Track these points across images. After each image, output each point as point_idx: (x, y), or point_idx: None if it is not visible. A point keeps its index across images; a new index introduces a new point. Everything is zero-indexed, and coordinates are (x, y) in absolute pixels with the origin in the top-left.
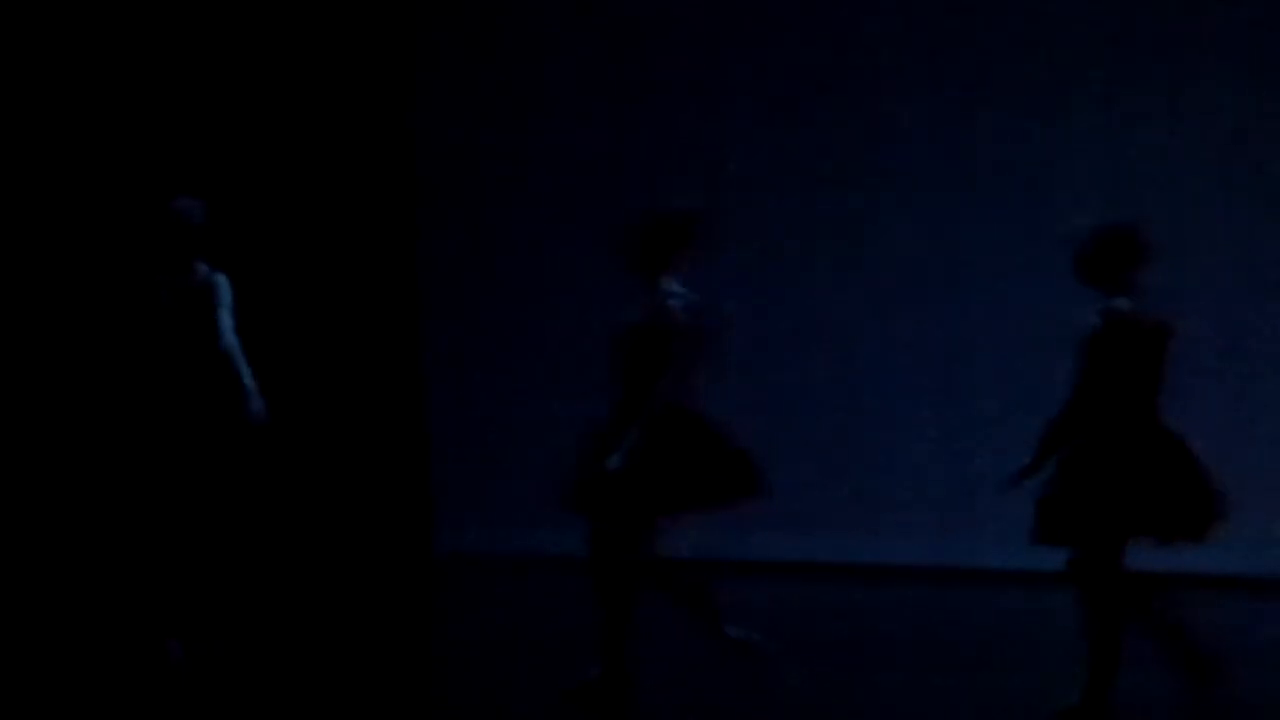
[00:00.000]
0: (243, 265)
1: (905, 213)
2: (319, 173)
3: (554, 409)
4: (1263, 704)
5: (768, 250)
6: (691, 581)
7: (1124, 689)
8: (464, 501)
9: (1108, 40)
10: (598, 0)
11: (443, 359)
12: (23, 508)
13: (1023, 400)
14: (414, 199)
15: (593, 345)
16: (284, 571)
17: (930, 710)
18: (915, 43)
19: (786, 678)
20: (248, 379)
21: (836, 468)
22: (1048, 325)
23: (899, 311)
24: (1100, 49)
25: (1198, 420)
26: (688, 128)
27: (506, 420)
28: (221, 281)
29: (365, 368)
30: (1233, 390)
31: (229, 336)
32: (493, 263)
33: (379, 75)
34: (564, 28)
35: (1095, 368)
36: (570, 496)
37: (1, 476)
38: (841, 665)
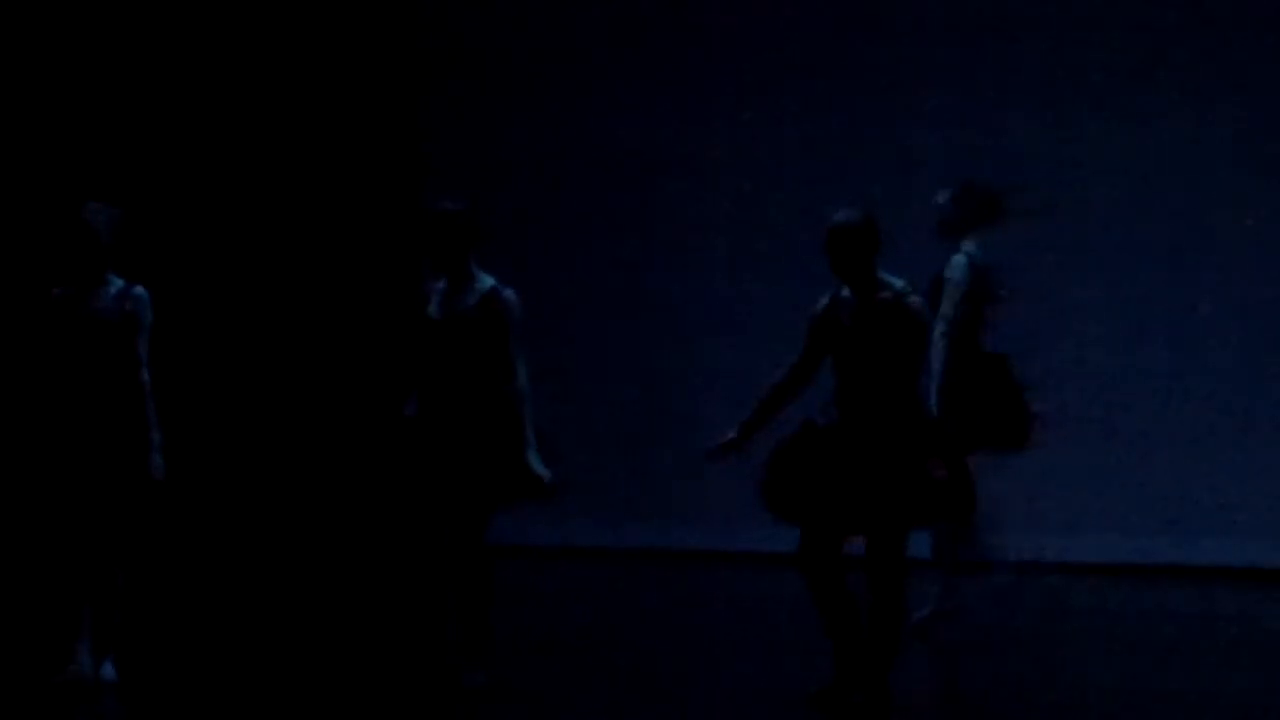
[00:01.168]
0: (264, 260)
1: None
2: (329, 170)
3: (573, 401)
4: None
5: (780, 240)
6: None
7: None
8: None
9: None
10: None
11: None
12: None
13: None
14: (420, 193)
15: (608, 338)
16: (303, 563)
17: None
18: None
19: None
20: (154, 429)
21: None
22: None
23: None
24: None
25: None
26: (688, 123)
27: None
28: (142, 298)
29: (385, 357)
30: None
31: (144, 372)
32: (511, 255)
33: (386, 75)
34: (564, 23)
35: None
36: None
37: None
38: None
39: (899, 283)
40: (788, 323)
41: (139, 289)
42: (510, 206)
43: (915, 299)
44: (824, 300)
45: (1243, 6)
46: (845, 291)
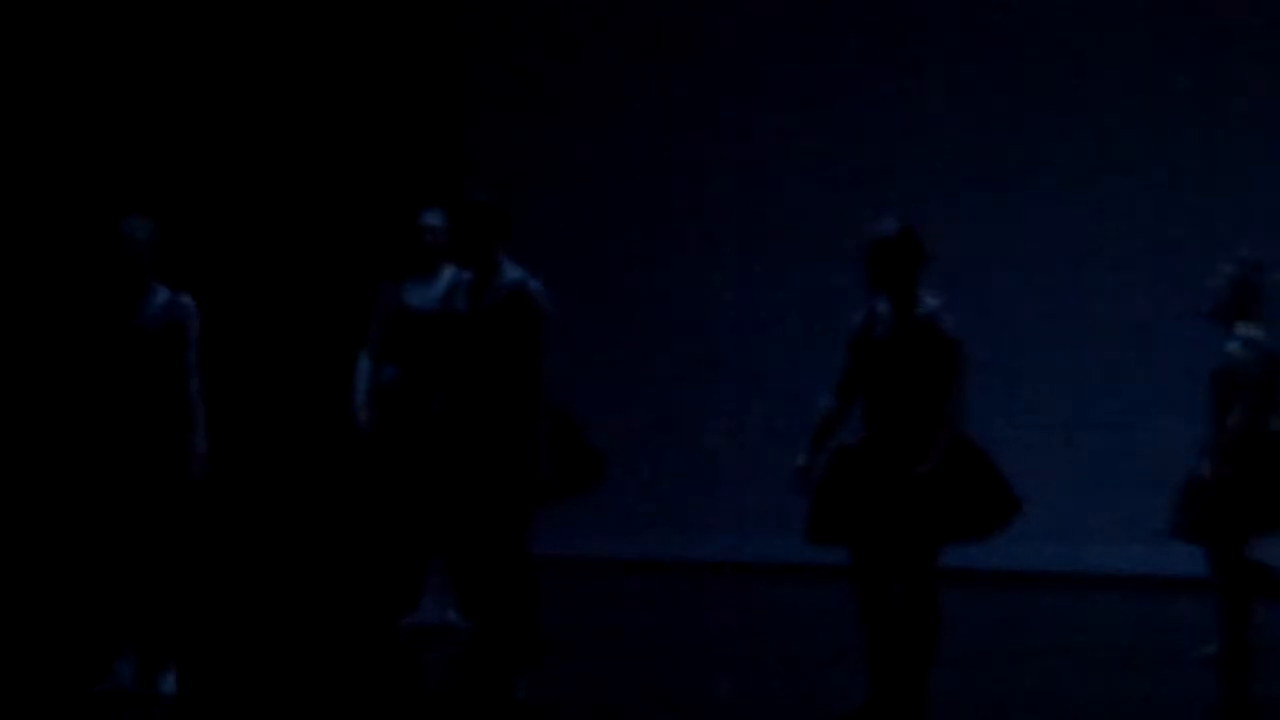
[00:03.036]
0: (296, 258)
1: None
2: (370, 168)
3: (593, 405)
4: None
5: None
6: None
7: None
8: None
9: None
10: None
11: None
12: None
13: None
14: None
15: (633, 343)
16: (327, 569)
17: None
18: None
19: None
20: (200, 439)
21: None
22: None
23: None
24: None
25: None
26: (723, 125)
27: None
28: (189, 307)
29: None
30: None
31: (194, 380)
32: (544, 258)
33: (428, 78)
34: (599, 29)
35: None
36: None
37: None
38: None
39: (935, 301)
40: (802, 331)
41: (185, 298)
42: (527, 213)
43: (948, 318)
44: (860, 316)
45: (1243, 16)
46: (882, 306)
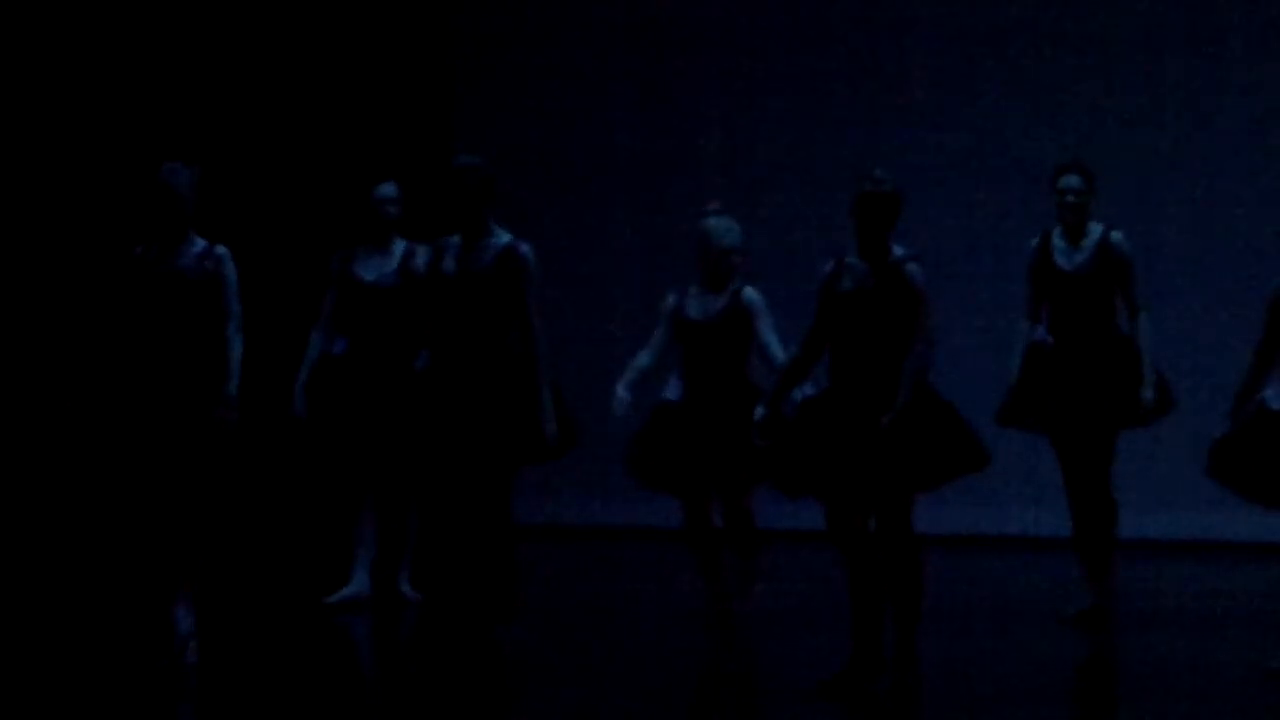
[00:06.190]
0: (296, 254)
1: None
2: (361, 163)
3: (591, 380)
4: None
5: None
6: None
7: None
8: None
9: None
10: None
11: None
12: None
13: None
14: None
15: (645, 328)
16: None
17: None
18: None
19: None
20: (233, 383)
21: None
22: None
23: None
24: None
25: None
26: (714, 124)
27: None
28: (225, 256)
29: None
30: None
31: (232, 326)
32: (553, 240)
33: (419, 76)
34: (594, 27)
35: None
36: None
37: None
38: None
39: (901, 250)
40: (796, 311)
41: (221, 248)
42: (529, 192)
43: (913, 266)
44: (829, 265)
45: (1239, 13)
46: (851, 257)
